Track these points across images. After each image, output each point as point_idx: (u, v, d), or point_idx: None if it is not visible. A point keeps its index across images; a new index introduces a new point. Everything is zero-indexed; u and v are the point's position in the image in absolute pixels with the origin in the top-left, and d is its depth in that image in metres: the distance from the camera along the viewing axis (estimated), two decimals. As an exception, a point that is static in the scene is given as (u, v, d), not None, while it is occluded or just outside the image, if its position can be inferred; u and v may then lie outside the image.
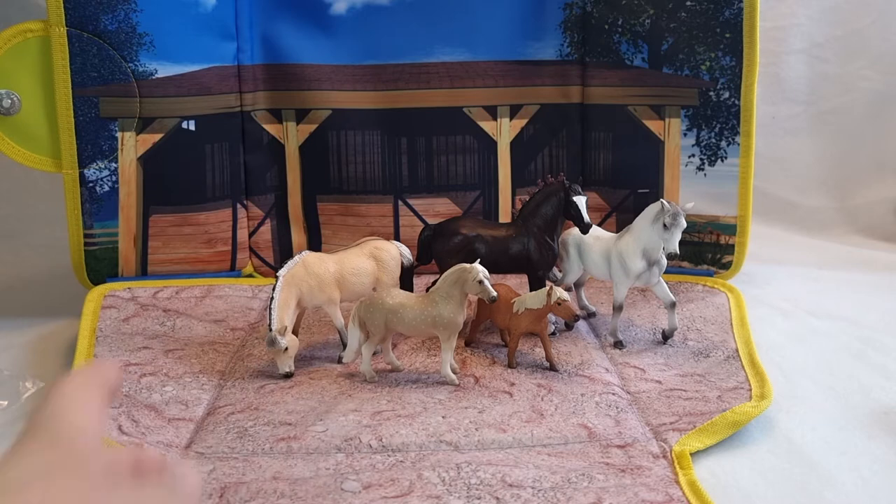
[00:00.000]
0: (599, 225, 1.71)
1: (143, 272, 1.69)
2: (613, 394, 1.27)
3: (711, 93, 1.70)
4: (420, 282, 1.58)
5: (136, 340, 1.45)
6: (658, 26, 1.71)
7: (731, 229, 1.72)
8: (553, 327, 1.48)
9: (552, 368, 1.36)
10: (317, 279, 1.38)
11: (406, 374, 1.35)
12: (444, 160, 1.80)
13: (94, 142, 1.62)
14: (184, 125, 1.67)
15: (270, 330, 1.31)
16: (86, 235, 1.65)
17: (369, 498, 0.99)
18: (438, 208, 1.81)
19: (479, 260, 1.33)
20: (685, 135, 1.73)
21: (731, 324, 1.49)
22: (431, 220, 1.71)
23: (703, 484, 1.02)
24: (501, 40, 1.76)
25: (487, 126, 1.80)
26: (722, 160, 1.71)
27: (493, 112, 1.80)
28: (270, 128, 1.77)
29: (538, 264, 1.48)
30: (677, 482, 1.02)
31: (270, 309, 1.32)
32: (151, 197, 1.67)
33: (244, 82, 1.73)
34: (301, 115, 1.77)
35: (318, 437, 1.13)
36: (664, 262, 1.44)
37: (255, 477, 1.05)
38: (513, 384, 1.30)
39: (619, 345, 1.45)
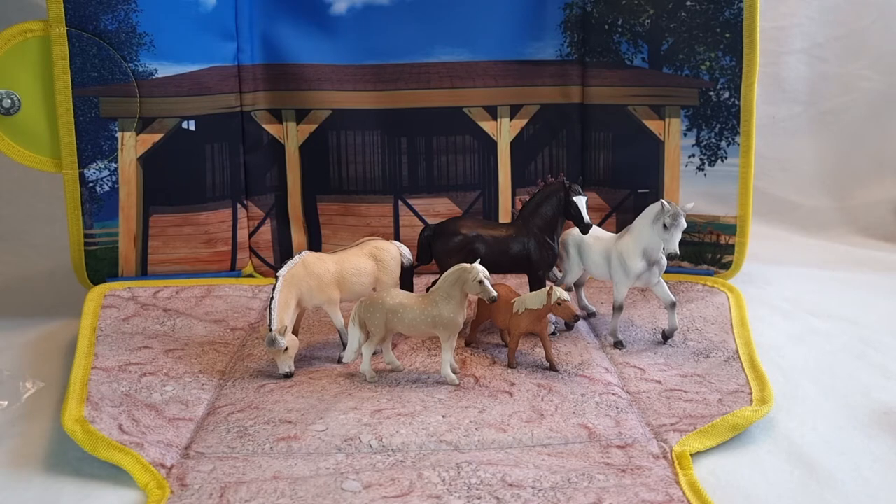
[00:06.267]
0: (599, 225, 1.71)
1: (143, 272, 1.69)
2: (613, 394, 1.27)
3: (711, 93, 1.70)
4: (420, 282, 1.58)
5: (136, 340, 1.45)
6: (658, 26, 1.71)
7: (731, 229, 1.72)
8: (553, 327, 1.48)
9: (552, 368, 1.36)
10: (317, 279, 1.38)
11: (406, 374, 1.35)
12: (444, 160, 1.80)
13: (94, 142, 1.62)
14: (184, 125, 1.67)
15: (270, 330, 1.31)
16: (86, 235, 1.65)
17: (369, 498, 0.99)
18: (438, 208, 1.81)
19: (479, 260, 1.33)
20: (685, 135, 1.73)
21: (732, 324, 1.49)
22: (431, 220, 1.71)
23: (703, 484, 1.02)
24: (501, 40, 1.76)
25: (487, 126, 1.80)
26: (722, 160, 1.71)
27: (493, 112, 1.80)
28: (270, 128, 1.77)
29: (538, 264, 1.48)
30: (677, 482, 1.02)
31: (270, 309, 1.32)
32: (151, 197, 1.67)
33: (244, 82, 1.73)
34: (301, 115, 1.77)
35: (318, 437, 1.13)
36: (664, 262, 1.44)
37: (256, 476, 1.05)
38: (513, 384, 1.30)
39: (619, 345, 1.45)
